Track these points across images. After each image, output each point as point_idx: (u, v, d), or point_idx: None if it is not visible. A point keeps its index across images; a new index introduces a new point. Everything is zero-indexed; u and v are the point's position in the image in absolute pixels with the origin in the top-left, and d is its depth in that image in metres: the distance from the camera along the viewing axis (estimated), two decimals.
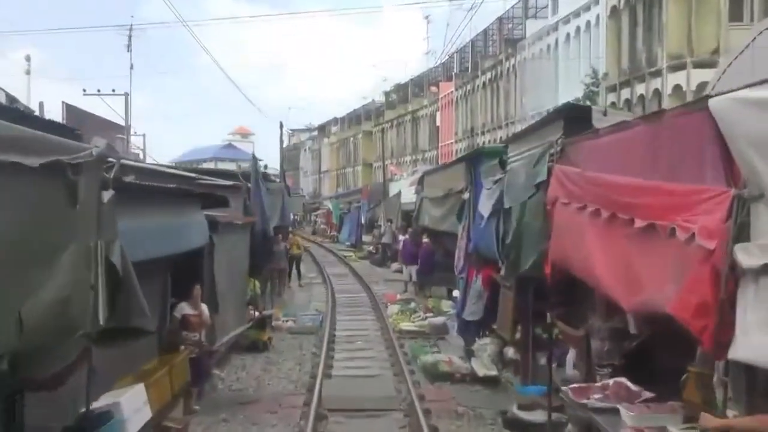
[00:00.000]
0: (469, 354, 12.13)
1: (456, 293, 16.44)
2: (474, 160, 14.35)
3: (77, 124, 31.44)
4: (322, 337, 14.75)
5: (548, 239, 7.86)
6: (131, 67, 31.99)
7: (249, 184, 14.47)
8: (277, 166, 39.35)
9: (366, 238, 41.23)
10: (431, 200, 19.41)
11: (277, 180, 22.67)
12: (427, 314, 16.13)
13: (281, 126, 38.58)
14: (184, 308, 9.54)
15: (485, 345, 11.58)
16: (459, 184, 15.25)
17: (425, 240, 20.63)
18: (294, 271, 24.62)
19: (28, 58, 45.30)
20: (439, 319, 15.16)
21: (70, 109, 30.47)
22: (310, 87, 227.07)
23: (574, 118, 8.05)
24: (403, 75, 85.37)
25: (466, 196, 14.32)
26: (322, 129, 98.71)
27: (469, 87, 51.13)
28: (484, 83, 47.56)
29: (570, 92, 33.55)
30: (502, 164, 11.02)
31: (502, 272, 10.77)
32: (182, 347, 9.40)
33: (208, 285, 10.58)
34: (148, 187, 7.59)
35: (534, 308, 10.16)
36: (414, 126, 65.85)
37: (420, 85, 67.61)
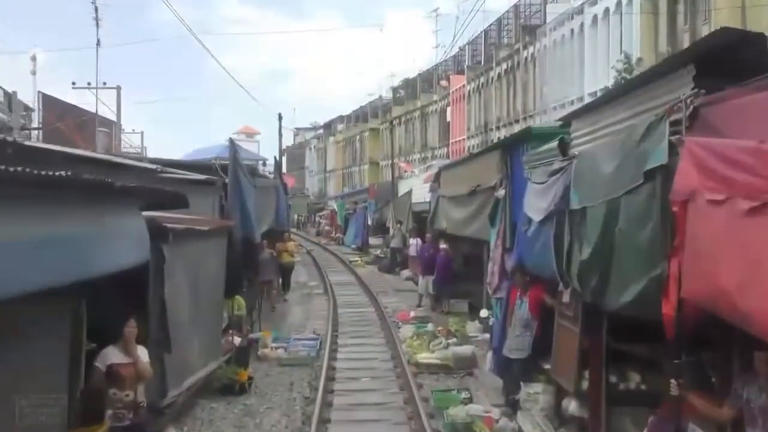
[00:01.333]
0: (512, 405, 9.09)
1: (484, 313, 13.40)
2: (512, 147, 11.33)
3: (54, 114, 28.78)
4: (319, 370, 11.75)
5: (670, 258, 4.88)
6: (98, 44, 28.84)
7: (227, 180, 11.48)
8: (283, 165, 36.46)
9: (373, 240, 38.19)
10: (451, 200, 16.40)
11: (271, 176, 19.74)
12: (449, 340, 13.08)
13: (280, 118, 35.65)
14: (110, 355, 6.54)
15: (536, 394, 8.54)
16: (490, 179, 12.24)
17: (443, 246, 17.61)
18: (287, 281, 21.66)
19: (33, 58, 43.98)
20: (466, 349, 12.11)
21: (46, 99, 27.69)
22: (316, 85, 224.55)
23: (716, 60, 5.00)
24: (412, 70, 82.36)
25: (500, 193, 11.31)
26: (328, 127, 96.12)
27: (482, 79, 48.08)
28: (499, 75, 44.51)
29: (597, 80, 30.53)
30: (564, 148, 7.97)
31: (564, 298, 7.74)
32: (108, 413, 6.44)
33: (156, 317, 7.61)
34: (26, 176, 4.55)
35: (611, 347, 7.27)
36: (423, 122, 62.93)
37: (429, 80, 64.63)
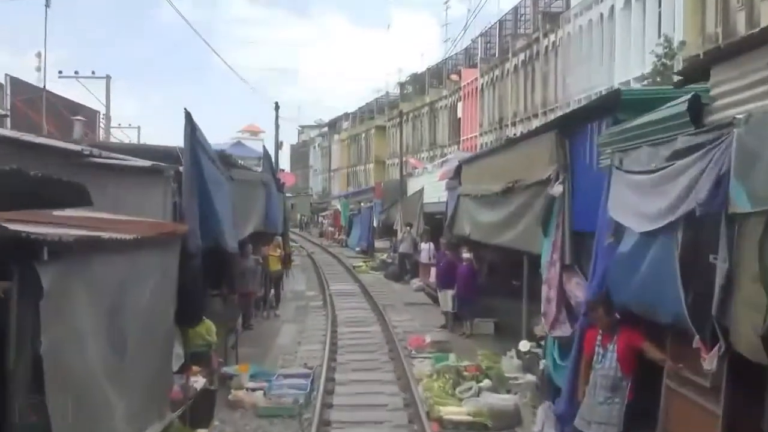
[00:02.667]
0: None
1: (524, 346, 10.35)
2: (573, 127, 8.30)
3: (23, 98, 25.86)
4: (309, 428, 8.69)
5: None
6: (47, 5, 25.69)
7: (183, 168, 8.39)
8: (286, 164, 33.56)
9: (379, 244, 35.13)
10: (476, 200, 13.33)
11: (259, 169, 16.71)
12: (480, 383, 9.95)
13: (276, 107, 32.42)
14: None
15: None
16: (536, 172, 9.20)
17: (466, 256, 14.53)
18: (277, 293, 18.64)
19: (39, 55, 42.04)
20: (506, 400, 8.98)
21: (14, 82, 24.72)
22: (321, 84, 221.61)
23: None
24: (420, 66, 79.14)
25: (556, 190, 8.26)
26: (333, 125, 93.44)
27: (496, 72, 45.00)
28: (515, 66, 41.43)
29: (630, 68, 27.44)
30: (696, 117, 4.90)
31: (709, 364, 4.71)
32: None
33: (21, 385, 4.58)
34: None
35: None
36: (432, 119, 59.97)
37: (438, 75, 61.66)
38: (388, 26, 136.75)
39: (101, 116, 34.99)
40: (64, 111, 26.83)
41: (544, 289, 8.13)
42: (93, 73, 36.33)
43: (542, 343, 10.04)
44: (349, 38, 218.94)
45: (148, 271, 6.99)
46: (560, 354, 7.77)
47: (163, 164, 8.01)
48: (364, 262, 31.74)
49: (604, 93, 27.37)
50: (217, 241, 9.34)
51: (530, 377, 9.60)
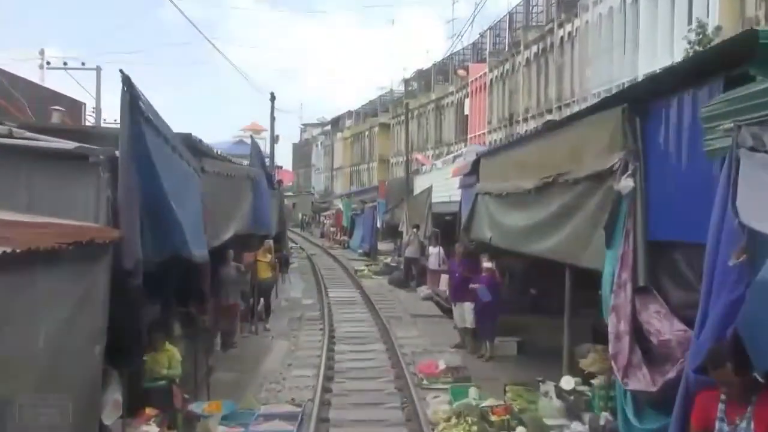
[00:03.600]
0: None
1: (567, 383, 8.22)
2: (653, 99, 6.16)
3: None
4: None
5: None
6: None
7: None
8: (288, 162, 31.32)
9: (383, 246, 32.96)
10: (501, 199, 11.19)
11: (245, 163, 14.48)
12: (516, 430, 7.81)
13: (272, 98, 30.06)
14: None
15: None
16: (594, 161, 7.07)
17: (487, 265, 12.38)
18: (267, 304, 16.48)
19: (42, 52, 40.75)
20: None
21: None
22: (325, 82, 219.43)
23: None
24: (425, 62, 76.72)
25: (624, 185, 6.11)
26: (336, 123, 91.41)
27: (507, 66, 42.82)
28: (527, 59, 39.23)
29: (657, 58, 25.17)
30: None
31: None
32: None
33: None
34: None
35: None
36: (437, 116, 57.86)
37: (444, 71, 59.46)
38: (392, 21, 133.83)
39: (87, 108, 32.98)
40: (44, 101, 24.68)
41: (611, 320, 5.96)
42: (83, 64, 34.58)
43: (592, 382, 7.91)
44: (354, 38, 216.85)
45: (55, 297, 4.87)
46: (636, 413, 5.62)
47: (91, 146, 5.87)
48: (367, 265, 29.59)
49: (627, 84, 25.32)
50: (177, 251, 7.21)
51: (579, 428, 7.44)
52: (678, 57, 21.66)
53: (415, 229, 22.13)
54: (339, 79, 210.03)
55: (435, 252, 20.29)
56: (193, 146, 8.35)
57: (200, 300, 9.27)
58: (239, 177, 12.09)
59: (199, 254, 8.06)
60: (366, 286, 23.39)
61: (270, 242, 15.99)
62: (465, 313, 12.97)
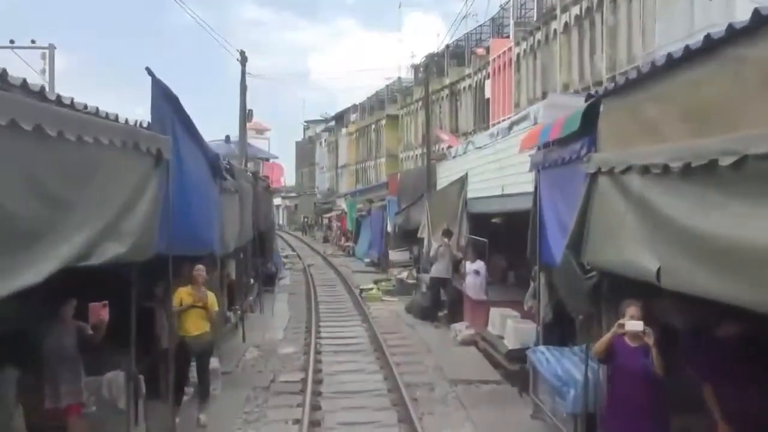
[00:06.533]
0: None
1: None
2: None
3: None
4: None
5: None
6: None
7: None
8: (290, 162, 24.51)
9: (395, 255, 26.10)
10: (673, 179, 4.25)
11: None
12: None
13: (243, 58, 22.80)
14: None
15: None
16: None
17: (637, 329, 5.52)
18: (203, 379, 9.21)
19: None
20: None
21: None
22: (329, 84, 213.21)
23: None
24: (436, 47, 69.94)
25: None
26: (340, 118, 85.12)
27: (538, 37, 36.02)
28: (565, 25, 32.42)
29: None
30: None
31: None
32: None
33: None
34: None
35: None
36: (452, 103, 51.14)
37: (458, 55, 52.66)
38: (399, 4, 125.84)
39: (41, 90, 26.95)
40: None
41: None
42: (33, 42, 28.73)
43: None
44: (360, 36, 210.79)
45: None
46: None
47: None
48: (375, 283, 22.76)
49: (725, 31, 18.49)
50: None
51: None
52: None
53: (446, 239, 15.18)
54: (346, 77, 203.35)
55: (478, 268, 13.56)
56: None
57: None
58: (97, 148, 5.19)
59: None
60: (376, 318, 16.69)
61: (201, 267, 8.75)
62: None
